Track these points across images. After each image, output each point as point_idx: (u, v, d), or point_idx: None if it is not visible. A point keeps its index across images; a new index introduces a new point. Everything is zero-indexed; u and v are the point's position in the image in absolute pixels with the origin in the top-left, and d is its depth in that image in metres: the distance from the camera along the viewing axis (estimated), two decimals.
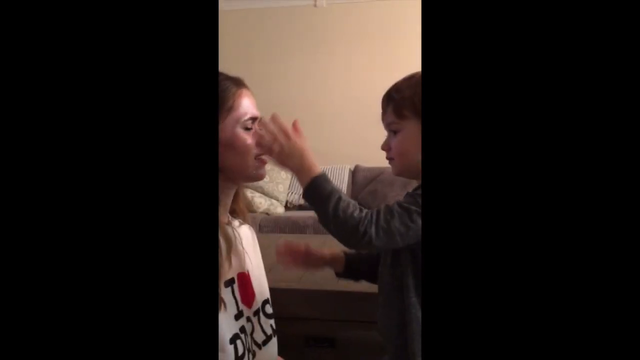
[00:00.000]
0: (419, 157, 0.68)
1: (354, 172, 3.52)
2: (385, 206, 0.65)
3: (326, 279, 1.22)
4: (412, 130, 0.68)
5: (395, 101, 0.70)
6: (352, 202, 0.65)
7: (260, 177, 0.73)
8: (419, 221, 0.63)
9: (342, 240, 0.64)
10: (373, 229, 0.62)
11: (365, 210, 0.64)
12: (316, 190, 0.65)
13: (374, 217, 0.63)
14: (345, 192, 3.47)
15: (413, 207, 0.63)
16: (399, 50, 3.50)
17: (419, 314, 0.66)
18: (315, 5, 3.67)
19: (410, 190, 0.71)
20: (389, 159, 0.73)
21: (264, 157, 0.71)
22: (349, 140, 3.55)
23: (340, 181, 3.41)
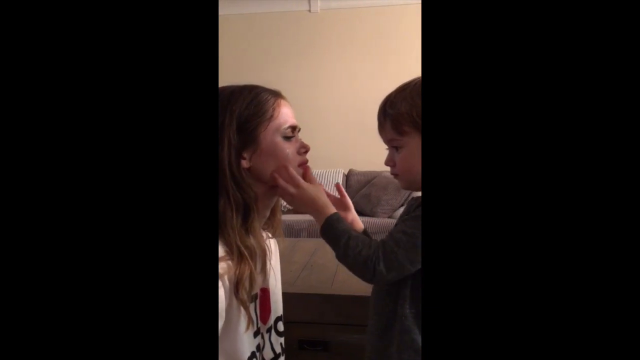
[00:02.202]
0: None
1: (348, 176, 3.53)
2: (390, 236, 0.65)
3: (320, 282, 1.22)
4: (416, 145, 0.66)
5: (393, 117, 0.67)
6: (362, 239, 0.66)
7: None
8: None
9: (358, 276, 0.66)
10: (382, 266, 0.62)
11: (373, 246, 0.64)
12: (329, 231, 0.68)
13: (381, 252, 0.63)
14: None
15: (418, 232, 0.62)
16: (393, 56, 3.52)
17: (413, 327, 0.66)
18: (309, 11, 3.69)
19: (406, 198, 0.71)
20: (394, 174, 0.71)
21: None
22: (343, 145, 3.57)
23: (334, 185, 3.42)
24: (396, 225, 0.70)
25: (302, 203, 0.70)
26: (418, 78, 0.69)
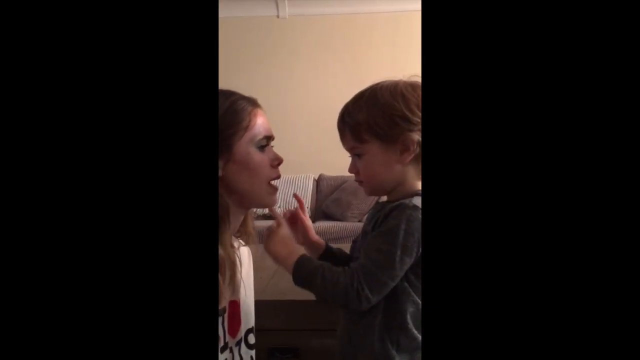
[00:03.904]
0: (388, 175, 0.69)
1: (318, 181, 3.53)
2: (366, 258, 0.64)
3: (290, 288, 1.21)
4: (376, 152, 0.68)
5: (351, 125, 0.69)
6: (337, 270, 0.65)
7: (272, 203, 0.73)
8: (405, 256, 0.62)
9: (343, 306, 0.65)
10: (367, 291, 0.62)
11: (349, 272, 0.63)
12: (300, 274, 0.67)
13: (362, 278, 0.62)
14: (309, 201, 3.49)
15: (393, 248, 0.62)
16: (361, 62, 3.56)
17: (383, 334, 0.66)
18: (277, 17, 3.69)
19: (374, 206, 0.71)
20: (358, 181, 0.72)
21: (274, 182, 0.72)
22: (313, 150, 3.57)
23: (305, 190, 3.41)
24: (364, 234, 0.70)
25: (270, 252, 0.70)
26: (372, 86, 0.70)
